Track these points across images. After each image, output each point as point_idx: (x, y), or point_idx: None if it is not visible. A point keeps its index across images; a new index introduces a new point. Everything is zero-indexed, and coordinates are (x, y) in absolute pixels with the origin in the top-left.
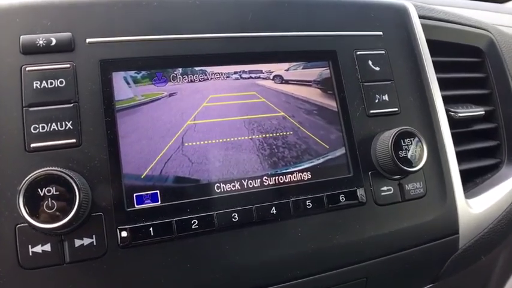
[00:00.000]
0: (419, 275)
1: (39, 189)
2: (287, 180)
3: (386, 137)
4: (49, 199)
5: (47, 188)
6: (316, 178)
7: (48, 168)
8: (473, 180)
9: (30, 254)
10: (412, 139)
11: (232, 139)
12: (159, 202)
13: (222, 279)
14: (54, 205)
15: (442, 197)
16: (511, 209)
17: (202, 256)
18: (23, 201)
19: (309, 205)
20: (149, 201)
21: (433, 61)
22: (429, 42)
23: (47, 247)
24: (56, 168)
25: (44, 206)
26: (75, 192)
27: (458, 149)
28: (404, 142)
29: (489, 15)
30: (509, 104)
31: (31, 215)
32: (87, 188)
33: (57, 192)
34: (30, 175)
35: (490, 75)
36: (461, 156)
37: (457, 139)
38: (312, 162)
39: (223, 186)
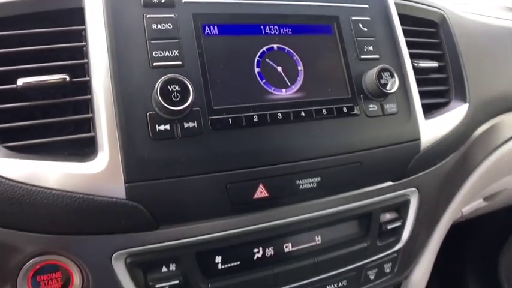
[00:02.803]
0: (393, 168)
1: (168, 86)
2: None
3: (373, 71)
4: (175, 92)
5: (173, 86)
6: (328, 96)
7: (174, 74)
8: (430, 111)
9: (157, 130)
10: (388, 73)
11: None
12: (232, 105)
13: (268, 153)
14: (177, 96)
15: (408, 115)
16: (456, 129)
17: (259, 138)
18: (160, 92)
19: (324, 112)
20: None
21: (402, 28)
22: (399, 15)
23: (167, 127)
24: (179, 75)
25: (172, 96)
26: (189, 90)
27: (420, 89)
28: (383, 74)
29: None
30: (455, 61)
31: (164, 100)
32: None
33: (180, 89)
34: (162, 78)
35: (443, 41)
36: (422, 96)
37: (419, 84)
38: None
39: (273, 98)
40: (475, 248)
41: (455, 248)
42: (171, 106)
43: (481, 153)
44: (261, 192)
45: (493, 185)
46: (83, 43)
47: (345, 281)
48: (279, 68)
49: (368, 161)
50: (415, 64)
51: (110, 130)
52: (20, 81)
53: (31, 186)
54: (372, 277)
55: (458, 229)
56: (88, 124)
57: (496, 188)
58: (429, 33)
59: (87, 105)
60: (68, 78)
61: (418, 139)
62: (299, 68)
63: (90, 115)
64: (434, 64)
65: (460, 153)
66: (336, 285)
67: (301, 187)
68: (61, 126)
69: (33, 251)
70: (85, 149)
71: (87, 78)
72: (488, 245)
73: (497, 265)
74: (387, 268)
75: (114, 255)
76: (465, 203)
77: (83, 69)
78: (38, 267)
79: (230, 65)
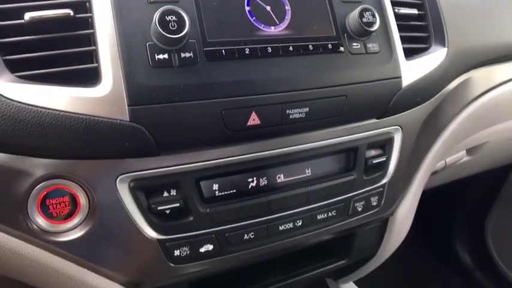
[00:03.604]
0: (377, 103)
1: (165, 16)
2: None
3: (355, 11)
4: (172, 22)
5: (170, 16)
6: (315, 34)
7: (170, 6)
8: (411, 55)
9: (156, 59)
10: (369, 12)
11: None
12: (225, 38)
13: (259, 83)
14: (174, 25)
15: (390, 54)
16: (435, 70)
17: (250, 69)
18: (158, 22)
19: (311, 48)
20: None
21: None
22: None
23: (166, 56)
24: (175, 6)
25: (169, 26)
26: (185, 20)
27: (401, 34)
28: (365, 14)
29: None
30: (435, 11)
31: (162, 29)
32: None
33: (176, 19)
34: (160, 9)
35: None
36: (403, 41)
37: (400, 29)
38: None
39: (262, 34)
40: (463, 212)
41: (443, 212)
42: (169, 34)
43: (455, 105)
44: (253, 119)
45: (473, 138)
46: None
47: (335, 211)
48: (268, 7)
49: (353, 95)
50: (396, 10)
51: (113, 60)
52: (27, 16)
53: (41, 109)
54: (359, 209)
55: (445, 194)
56: (90, 57)
57: (476, 141)
58: None
59: (90, 40)
60: (72, 13)
61: (399, 77)
62: (286, 7)
63: (93, 47)
64: (414, 11)
65: (436, 103)
66: (326, 215)
67: (291, 116)
68: (65, 60)
69: (42, 175)
70: (88, 81)
71: (89, 15)
72: (475, 209)
73: (483, 228)
74: (374, 201)
75: (118, 178)
76: (446, 150)
77: (85, 8)
78: (46, 192)
79: (222, 3)
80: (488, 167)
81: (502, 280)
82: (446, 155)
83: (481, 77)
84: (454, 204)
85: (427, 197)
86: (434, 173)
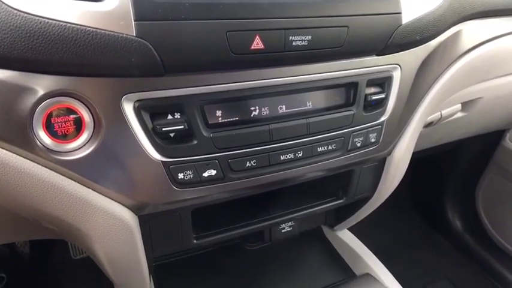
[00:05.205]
0: (378, 37)
1: None
2: None
3: None
4: None
5: None
6: None
7: None
8: None
9: None
10: None
11: None
12: None
13: (263, 6)
14: None
15: None
16: (434, 10)
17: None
18: None
19: None
20: None
21: None
22: None
23: None
24: None
25: None
26: None
27: None
28: None
29: None
30: None
31: None
32: None
33: None
34: None
35: None
36: None
37: None
38: None
39: None
40: (454, 178)
41: (435, 178)
42: None
43: (452, 53)
44: (257, 43)
45: (468, 91)
46: None
47: (334, 144)
48: None
49: (354, 26)
50: None
51: None
52: None
53: (48, 20)
54: (358, 144)
55: (438, 160)
56: None
57: (471, 95)
58: None
59: None
60: None
61: (400, 13)
62: None
63: None
64: None
65: (434, 47)
66: (326, 148)
67: (293, 43)
68: None
69: (47, 92)
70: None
71: None
72: (466, 175)
73: (474, 194)
74: (372, 138)
75: (123, 97)
76: (442, 97)
77: None
78: (51, 110)
79: None
80: (481, 129)
81: (490, 243)
82: (442, 106)
83: (477, 28)
84: (446, 170)
85: (421, 163)
86: (430, 124)
